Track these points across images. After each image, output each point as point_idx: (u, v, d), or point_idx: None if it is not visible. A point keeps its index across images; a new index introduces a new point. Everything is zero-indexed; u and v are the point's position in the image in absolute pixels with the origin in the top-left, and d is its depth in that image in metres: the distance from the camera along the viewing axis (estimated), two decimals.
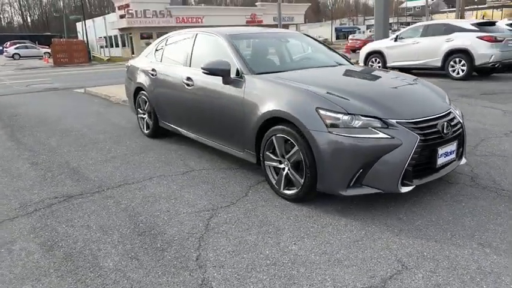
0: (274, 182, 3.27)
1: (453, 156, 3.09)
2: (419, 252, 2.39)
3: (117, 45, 42.21)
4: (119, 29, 38.91)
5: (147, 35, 38.54)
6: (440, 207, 2.95)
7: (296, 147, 2.95)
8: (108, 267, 2.35)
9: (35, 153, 4.84)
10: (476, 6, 54.26)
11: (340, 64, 4.18)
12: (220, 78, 3.68)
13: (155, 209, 3.12)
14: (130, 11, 35.98)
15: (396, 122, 2.78)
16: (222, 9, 47.37)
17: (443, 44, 10.12)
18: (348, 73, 3.80)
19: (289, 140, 3.02)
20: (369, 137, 2.69)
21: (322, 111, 2.82)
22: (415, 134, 2.76)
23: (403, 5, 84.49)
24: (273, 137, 3.14)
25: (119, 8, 37.28)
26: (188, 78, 4.18)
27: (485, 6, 57.48)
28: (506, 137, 4.69)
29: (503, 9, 52.90)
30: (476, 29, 9.68)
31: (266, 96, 3.22)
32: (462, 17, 26.58)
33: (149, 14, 36.63)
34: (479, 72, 10.22)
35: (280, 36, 4.51)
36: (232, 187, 3.52)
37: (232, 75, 3.60)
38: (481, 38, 9.43)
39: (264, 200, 3.22)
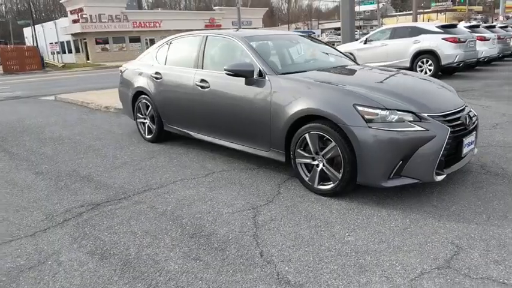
0: (306, 178, 3.35)
1: (473, 146, 3.33)
2: (466, 234, 2.57)
3: (70, 51, 40.48)
4: (72, 34, 37.39)
5: (103, 40, 37.36)
6: (466, 194, 3.18)
7: (333, 143, 3.06)
8: (175, 270, 2.32)
9: (33, 162, 4.59)
10: (422, 10, 57.58)
11: (351, 64, 4.36)
12: (241, 79, 3.72)
13: (194, 211, 3.10)
14: (84, 16, 34.75)
15: (428, 115, 2.97)
16: (181, 13, 46.84)
17: (411, 45, 10.71)
18: (369, 72, 3.98)
19: (325, 137, 3.12)
20: (407, 130, 2.85)
21: (360, 108, 2.95)
22: (446, 126, 2.95)
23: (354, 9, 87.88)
24: (306, 135, 3.23)
25: (72, 12, 35.85)
26: (202, 81, 4.17)
27: (430, 10, 61.17)
28: (495, 129, 5.10)
29: (446, 13, 56.59)
30: (441, 31, 10.35)
31: (297, 96, 3.30)
32: (415, 20, 28.15)
33: (104, 18, 35.56)
34: (444, 72, 10.93)
35: (289, 37, 4.62)
36: (262, 186, 3.56)
37: (254, 76, 3.65)
38: (446, 39, 10.10)
39: (299, 196, 3.29)
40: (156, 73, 4.85)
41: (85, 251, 2.59)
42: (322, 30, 74.69)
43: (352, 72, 3.92)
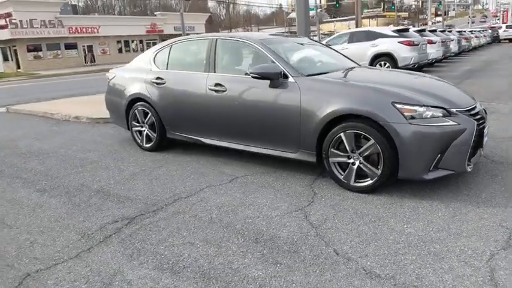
0: (341, 177, 3.43)
1: (487, 137, 3.64)
2: (509, 217, 2.80)
3: None
4: (0, 41, 34.40)
5: (35, 47, 34.85)
6: (487, 181, 3.46)
7: (372, 141, 3.17)
8: (261, 276, 2.28)
9: (27, 180, 4.19)
10: (355, 16, 61.00)
11: (361, 65, 4.55)
12: (264, 82, 3.73)
13: (242, 216, 3.04)
14: (13, 21, 32.22)
15: (456, 111, 3.20)
16: (120, 18, 45.14)
17: (369, 48, 11.33)
18: (388, 72, 4.20)
19: (362, 135, 3.23)
20: (443, 125, 3.05)
21: (398, 105, 3.10)
22: (473, 120, 3.20)
23: (291, 16, 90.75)
24: (342, 134, 3.32)
25: None
26: (217, 85, 4.10)
27: (362, 16, 64.95)
28: None
29: (377, 18, 60.45)
30: (397, 35, 11.09)
31: (331, 96, 3.38)
32: (357, 25, 29.72)
33: (36, 24, 33.23)
34: None
35: (298, 41, 4.69)
36: (293, 188, 3.58)
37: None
38: (401, 42, 10.83)
39: (336, 194, 3.37)
40: (158, 78, 4.67)
41: (150, 267, 2.43)
42: None
43: (373, 72, 4.10)
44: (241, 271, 2.33)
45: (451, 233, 2.64)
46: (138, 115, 4.96)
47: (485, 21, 61.85)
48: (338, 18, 69.14)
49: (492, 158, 4.06)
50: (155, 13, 45.83)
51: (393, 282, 2.16)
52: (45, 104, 9.71)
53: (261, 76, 3.65)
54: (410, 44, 10.77)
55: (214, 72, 4.23)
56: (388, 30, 11.39)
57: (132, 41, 41.96)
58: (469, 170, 3.21)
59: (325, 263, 2.37)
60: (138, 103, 4.92)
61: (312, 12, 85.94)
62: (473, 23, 56.10)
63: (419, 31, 12.56)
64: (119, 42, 40.67)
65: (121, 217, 3.15)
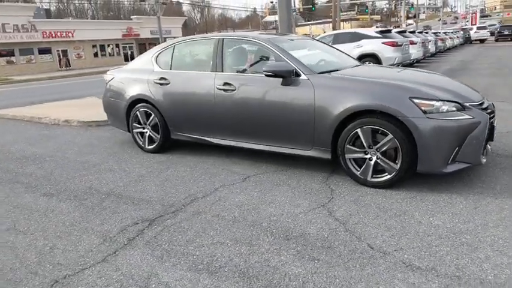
0: (357, 173, 3.45)
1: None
2: None
3: None
4: None
5: (8, 52, 33.64)
6: (497, 174, 3.55)
7: (390, 136, 3.21)
8: (302, 272, 2.25)
9: (29, 184, 4.02)
10: (330, 20, 61.95)
11: (366, 63, 4.59)
12: (275, 80, 3.72)
13: (266, 214, 3.01)
14: None
15: (469, 105, 3.27)
16: (96, 22, 44.21)
17: (354, 49, 11.49)
18: (396, 69, 4.25)
19: (379, 130, 3.26)
20: (460, 119, 3.12)
21: (416, 100, 3.15)
22: (485, 114, 3.29)
23: (266, 19, 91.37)
24: (359, 130, 3.34)
25: None
26: (226, 84, 4.05)
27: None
28: None
29: (351, 21, 61.58)
30: (380, 36, 11.31)
31: (346, 92, 3.40)
32: (334, 27, 30.20)
33: (9, 28, 32.08)
34: None
35: (304, 40, 4.70)
36: (309, 185, 3.57)
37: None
38: (385, 43, 11.06)
39: (354, 190, 3.38)
40: (161, 78, 4.58)
41: (184, 268, 2.37)
42: None
43: (382, 69, 4.15)
44: (280, 268, 2.30)
45: (477, 224, 2.70)
46: (139, 116, 4.85)
47: (456, 23, 64.25)
48: (313, 22, 70.05)
49: (496, 151, 4.18)
50: (131, 17, 45.11)
51: (435, 274, 2.18)
52: (30, 108, 9.38)
53: (275, 74, 3.64)
54: (394, 44, 11.01)
55: (222, 71, 4.18)
56: (372, 31, 11.62)
57: (108, 45, 41.11)
58: (483, 162, 3.30)
59: (362, 257, 2.37)
60: (140, 104, 4.81)
61: None
62: (445, 24, 58.24)
63: (400, 32, 12.87)
64: (94, 46, 39.75)
65: (140, 219, 3.06)
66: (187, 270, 2.34)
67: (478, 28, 34.94)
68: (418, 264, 2.27)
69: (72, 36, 36.94)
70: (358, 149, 3.41)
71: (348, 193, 3.33)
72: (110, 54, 40.69)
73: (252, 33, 4.40)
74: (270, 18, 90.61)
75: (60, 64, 36.88)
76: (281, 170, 4.00)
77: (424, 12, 61.25)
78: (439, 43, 20.36)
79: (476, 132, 3.16)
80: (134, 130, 4.98)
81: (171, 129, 4.66)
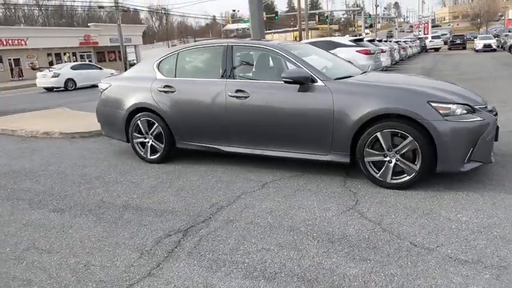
0: (377, 175, 3.56)
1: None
2: None
3: None
4: None
5: None
6: (501, 172, 3.79)
7: (410, 138, 3.35)
8: (359, 273, 2.30)
9: (32, 200, 3.78)
10: (291, 29, 63.51)
11: (370, 70, 4.76)
12: (291, 86, 3.78)
13: (300, 219, 3.04)
14: None
15: (478, 107, 3.49)
16: (51, 30, 42.27)
17: None
18: (403, 75, 4.45)
19: (399, 133, 3.39)
20: (473, 121, 3.32)
21: (434, 104, 3.32)
22: (492, 115, 3.52)
23: (227, 27, 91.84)
24: (378, 133, 3.45)
25: None
26: (238, 91, 4.05)
27: (297, 28, 67.68)
28: None
29: (311, 31, 63.19)
30: (354, 44, 11.73)
31: (365, 98, 3.50)
32: (300, 36, 30.85)
33: None
34: None
35: (310, 47, 4.79)
36: (330, 189, 3.64)
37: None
38: (359, 51, 11.48)
39: (376, 192, 3.48)
40: (166, 86, 4.49)
41: (239, 276, 2.34)
42: None
43: (392, 76, 4.32)
44: (335, 270, 2.33)
45: (501, 218, 2.87)
46: (141, 126, 4.71)
47: (411, 31, 67.91)
48: (276, 30, 71.35)
49: (497, 149, 4.46)
50: (89, 24, 43.64)
51: (482, 265, 2.30)
52: None
53: (294, 81, 3.69)
54: (367, 53, 11.45)
55: (233, 78, 4.18)
56: (346, 40, 12.03)
57: (65, 54, 39.49)
58: (493, 161, 3.52)
59: (410, 255, 2.46)
60: (141, 113, 4.69)
61: (248, 24, 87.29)
62: (402, 32, 61.39)
63: (370, 41, 13.41)
64: (49, 55, 38.02)
65: (171, 230, 2.98)
66: (243, 279, 2.31)
67: (433, 37, 37.23)
68: (464, 258, 2.38)
69: (25, 44, 35.14)
70: (377, 152, 3.52)
71: (371, 195, 3.43)
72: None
73: (259, 40, 4.43)
74: (231, 26, 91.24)
75: (12, 74, 34.97)
76: (296, 176, 4.04)
77: (379, 22, 64.24)
78: (402, 51, 21.40)
79: (486, 133, 3.37)
80: (134, 140, 4.83)
81: (177, 138, 4.57)
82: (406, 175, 3.46)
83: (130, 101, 4.74)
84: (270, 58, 4.18)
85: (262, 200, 3.46)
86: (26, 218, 3.38)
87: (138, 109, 4.71)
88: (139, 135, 4.79)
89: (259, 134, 4.05)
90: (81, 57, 40.56)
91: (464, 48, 35.33)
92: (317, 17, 48.17)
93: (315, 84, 3.74)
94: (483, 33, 37.54)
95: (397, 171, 3.50)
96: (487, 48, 28.06)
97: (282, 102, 3.87)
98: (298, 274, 2.32)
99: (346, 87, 3.66)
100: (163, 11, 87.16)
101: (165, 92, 4.51)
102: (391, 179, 3.51)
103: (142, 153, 4.83)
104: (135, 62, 44.10)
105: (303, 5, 37.89)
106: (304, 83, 3.72)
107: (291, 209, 3.24)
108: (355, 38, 12.81)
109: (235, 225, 3.00)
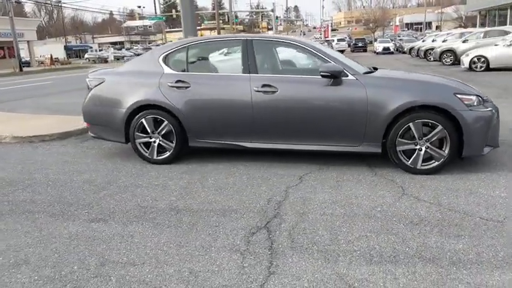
0: (407, 162, 3.85)
1: None
2: None
3: None
4: None
5: None
6: (504, 159, 4.35)
7: (440, 127, 3.71)
8: (466, 249, 2.50)
9: (49, 212, 3.25)
10: (198, 27, 62.98)
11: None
12: (322, 80, 3.89)
13: (368, 207, 3.16)
14: None
15: (485, 99, 4.01)
16: None
17: None
18: (412, 72, 4.73)
19: (430, 123, 3.73)
20: (487, 110, 3.81)
21: (459, 95, 3.72)
22: (495, 106, 4.07)
23: (128, 24, 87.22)
24: (411, 124, 3.75)
25: None
26: (265, 86, 4.01)
27: (203, 27, 67.49)
28: None
29: (216, 31, 63.59)
30: None
31: (397, 91, 3.76)
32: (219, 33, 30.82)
33: None
34: None
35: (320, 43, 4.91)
36: (368, 178, 3.81)
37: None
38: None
39: (410, 178, 3.76)
40: (179, 81, 4.22)
41: (362, 263, 2.37)
42: (100, 45, 70.78)
43: (402, 72, 4.62)
44: (445, 247, 2.51)
45: None
46: (146, 124, 4.35)
47: (313, 34, 72.74)
48: (176, 29, 70.09)
49: None
50: None
51: None
52: None
53: (331, 75, 3.79)
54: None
55: (257, 73, 4.11)
56: None
57: None
58: (499, 146, 4.07)
59: (490, 228, 2.74)
60: (147, 111, 4.33)
61: (150, 22, 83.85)
62: (304, 34, 65.49)
63: None
64: None
65: (252, 228, 2.86)
66: (369, 265, 2.36)
67: (339, 40, 40.63)
68: None
69: None
70: (409, 141, 3.82)
71: (409, 181, 3.69)
72: None
73: (279, 35, 4.43)
74: (132, 23, 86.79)
75: None
76: (323, 168, 4.14)
77: (281, 24, 67.56)
78: None
79: (496, 121, 3.90)
80: (137, 140, 4.43)
81: (190, 136, 4.32)
82: (434, 161, 3.81)
83: (132, 98, 4.33)
84: (296, 53, 4.22)
85: (313, 193, 3.50)
86: (65, 232, 2.91)
87: (142, 106, 4.33)
88: (144, 135, 4.41)
89: (288, 129, 4.07)
90: None
91: (365, 50, 39.22)
92: (227, 16, 48.69)
93: (347, 78, 3.90)
94: (380, 38, 42.07)
95: (425, 158, 3.84)
96: (386, 51, 31.52)
97: (313, 96, 3.95)
98: (415, 255, 2.45)
99: (378, 82, 3.89)
100: (53, 5, 79.14)
101: (177, 87, 4.23)
102: (421, 165, 3.84)
103: (146, 154, 4.46)
104: (28, 60, 39.48)
105: (207, 4, 37.86)
106: (338, 77, 3.85)
107: (350, 199, 3.34)
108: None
109: (312, 218, 3.00)
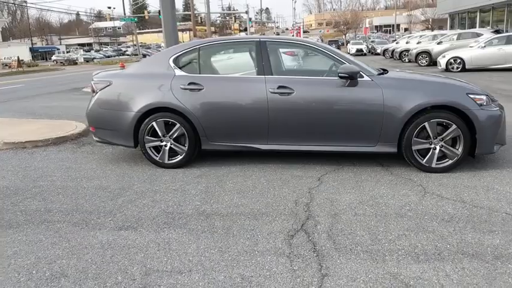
0: (422, 161, 3.94)
1: None
2: None
3: None
4: None
5: None
6: (507, 156, 4.55)
7: (454, 126, 3.82)
8: (503, 244, 2.59)
9: (71, 222, 3.11)
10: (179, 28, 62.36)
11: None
12: (338, 81, 3.93)
13: (397, 206, 3.21)
14: None
15: (492, 98, 4.17)
16: None
17: None
18: (423, 73, 4.85)
19: (444, 122, 3.84)
20: (497, 109, 3.96)
21: (471, 95, 3.85)
22: (502, 105, 4.23)
23: (96, 25, 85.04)
24: (426, 123, 3.84)
25: None
26: (281, 87, 4.00)
27: (180, 28, 66.72)
28: None
29: (189, 32, 63.01)
30: None
31: (412, 92, 3.85)
32: (195, 35, 30.50)
33: None
34: None
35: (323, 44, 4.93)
36: (386, 177, 3.88)
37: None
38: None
39: (426, 176, 3.86)
40: (191, 83, 4.14)
41: (411, 262, 2.41)
42: (67, 46, 68.55)
43: (412, 73, 4.70)
44: (483, 243, 2.59)
45: None
46: (157, 128, 4.24)
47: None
48: (153, 30, 69.00)
49: None
50: None
51: None
52: None
53: (349, 76, 3.83)
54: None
55: (271, 74, 4.10)
56: None
57: None
58: (506, 144, 4.23)
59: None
60: (158, 114, 4.22)
61: (121, 23, 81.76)
62: (278, 35, 66.23)
63: None
64: None
65: (289, 231, 2.84)
66: (417, 263, 2.39)
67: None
68: None
69: None
70: (424, 140, 3.91)
71: (427, 180, 3.77)
72: None
73: (291, 37, 4.43)
74: (100, 24, 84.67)
75: None
76: (338, 169, 4.18)
77: (252, 26, 67.81)
78: None
79: (504, 119, 4.06)
80: (147, 144, 4.31)
81: (203, 139, 4.25)
82: (448, 159, 3.92)
83: (142, 101, 4.22)
84: (311, 55, 4.23)
85: (337, 193, 3.52)
86: (95, 241, 2.79)
87: (153, 109, 4.22)
88: (154, 139, 4.30)
89: (304, 130, 4.07)
90: None
91: None
92: (200, 18, 48.38)
93: (363, 79, 3.95)
94: (353, 39, 42.97)
95: (439, 157, 3.94)
96: (359, 52, 32.20)
97: (330, 97, 3.97)
98: (458, 251, 2.50)
99: (393, 82, 3.96)
100: (16, 4, 76.00)
101: (190, 89, 4.16)
102: (436, 164, 3.94)
103: (157, 158, 4.35)
104: None
105: (178, 6, 37.61)
106: (355, 78, 3.89)
107: (375, 198, 3.38)
108: None
109: (345, 219, 3.02)
